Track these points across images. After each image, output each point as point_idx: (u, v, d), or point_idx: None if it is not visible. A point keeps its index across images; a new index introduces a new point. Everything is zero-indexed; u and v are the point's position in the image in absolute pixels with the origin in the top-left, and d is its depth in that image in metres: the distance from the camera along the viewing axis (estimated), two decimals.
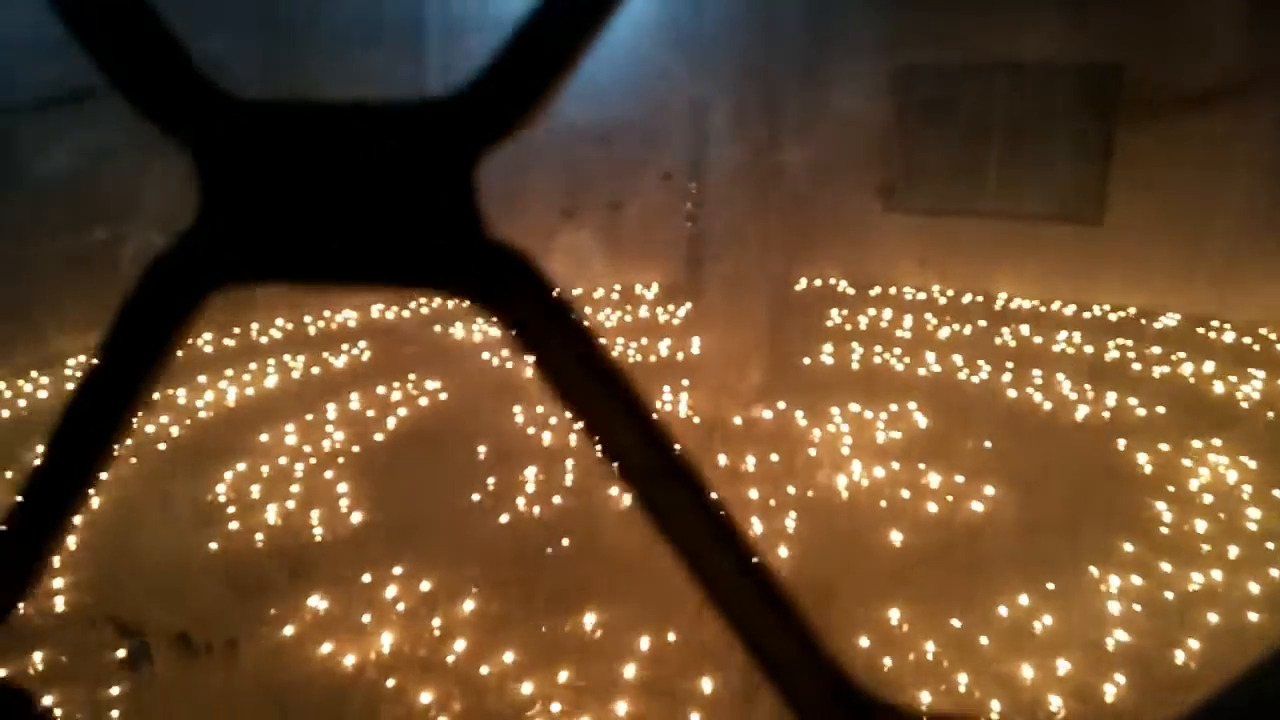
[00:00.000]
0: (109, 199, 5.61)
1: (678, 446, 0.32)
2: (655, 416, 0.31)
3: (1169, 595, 3.70)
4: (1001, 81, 7.94)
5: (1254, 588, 3.73)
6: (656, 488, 0.31)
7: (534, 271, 0.31)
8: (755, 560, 0.32)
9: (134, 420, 0.35)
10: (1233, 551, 4.03)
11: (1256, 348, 6.87)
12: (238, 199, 0.32)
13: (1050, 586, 3.71)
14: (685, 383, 5.91)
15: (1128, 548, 4.05)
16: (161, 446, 5.15)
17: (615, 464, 0.32)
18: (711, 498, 0.32)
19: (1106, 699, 3.12)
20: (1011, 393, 6.06)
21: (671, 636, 3.38)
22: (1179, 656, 3.32)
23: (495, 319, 0.32)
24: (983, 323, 7.58)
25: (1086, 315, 7.84)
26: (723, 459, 4.82)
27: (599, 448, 0.31)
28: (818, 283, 8.55)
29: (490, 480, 4.65)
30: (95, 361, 0.33)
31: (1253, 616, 3.55)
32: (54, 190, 5.77)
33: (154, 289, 0.33)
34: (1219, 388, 6.08)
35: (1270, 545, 4.09)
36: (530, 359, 0.31)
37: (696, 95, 6.34)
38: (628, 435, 0.30)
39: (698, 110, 6.44)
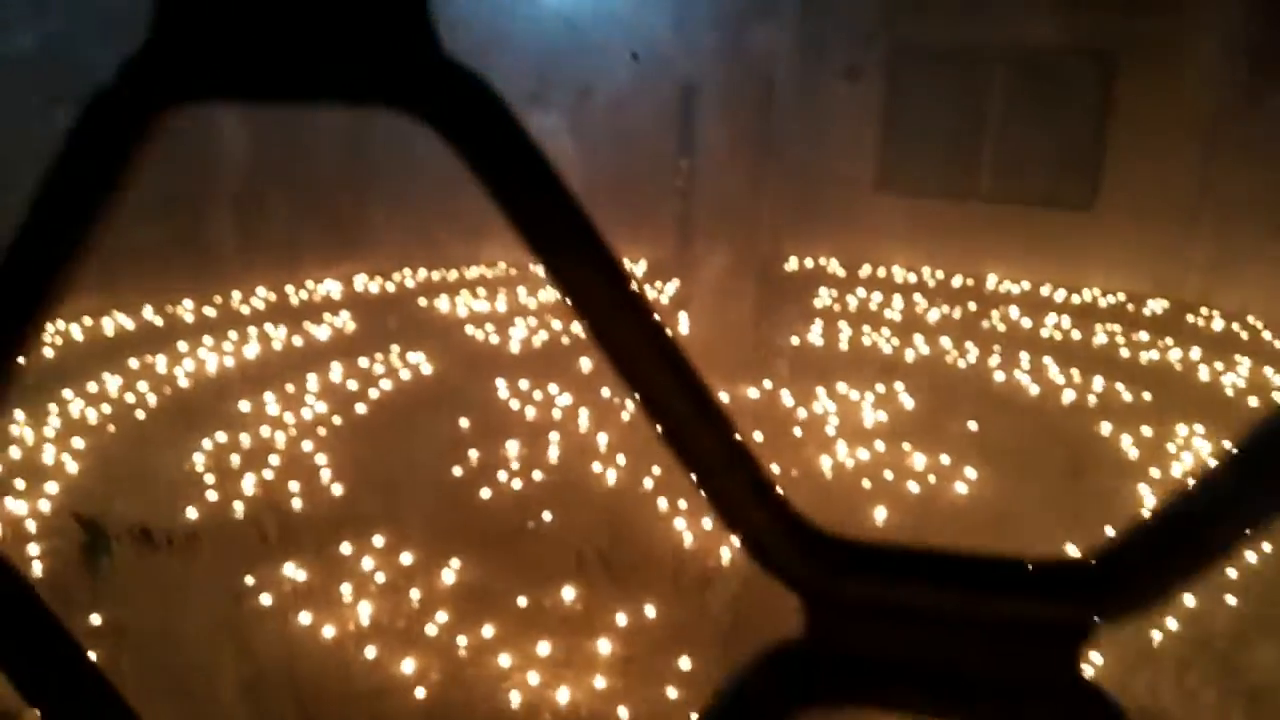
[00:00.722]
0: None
1: (633, 281, 0.29)
2: (606, 244, 0.28)
3: None
4: (996, 65, 7.90)
5: (1231, 572, 3.74)
6: (611, 321, 0.28)
7: (491, 92, 0.28)
8: (697, 383, 0.30)
9: (83, 260, 0.32)
10: None
11: (1244, 335, 6.89)
12: (189, 15, 0.30)
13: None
14: None
15: (1110, 532, 4.06)
16: (140, 415, 5.08)
17: (570, 300, 0.29)
18: (676, 352, 0.30)
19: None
20: (999, 376, 6.07)
21: (650, 612, 3.37)
22: (1156, 637, 3.34)
23: (448, 142, 0.28)
24: (972, 306, 7.58)
25: (1076, 300, 7.85)
26: None
27: (552, 280, 0.28)
28: (808, 263, 8.52)
29: (473, 454, 4.61)
30: (41, 194, 0.30)
31: (1230, 600, 3.57)
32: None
33: (106, 108, 0.30)
34: (1204, 374, 6.10)
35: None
36: (487, 190, 0.28)
37: (685, 77, 6.28)
38: (578, 258, 0.27)
39: (687, 91, 6.37)
